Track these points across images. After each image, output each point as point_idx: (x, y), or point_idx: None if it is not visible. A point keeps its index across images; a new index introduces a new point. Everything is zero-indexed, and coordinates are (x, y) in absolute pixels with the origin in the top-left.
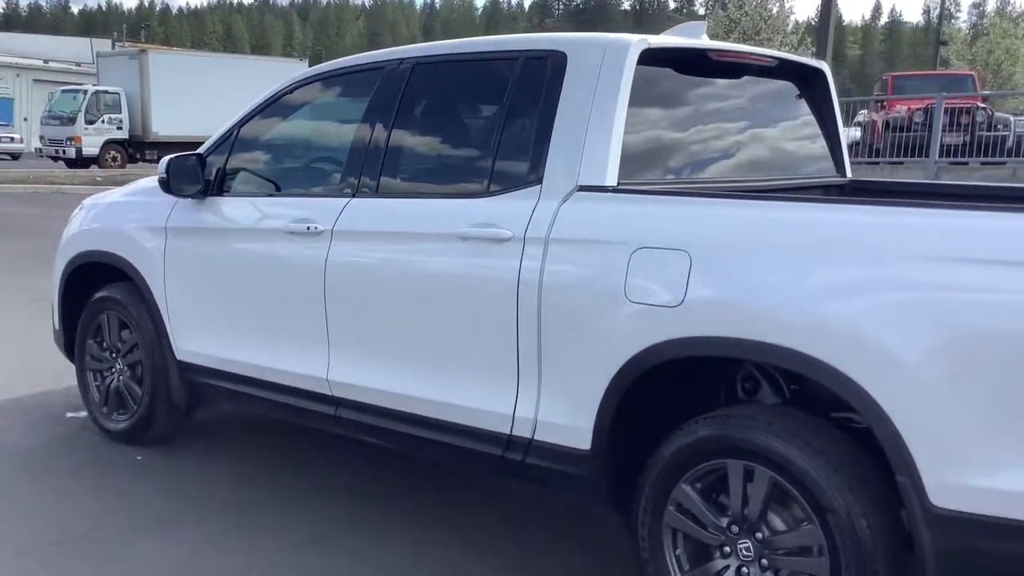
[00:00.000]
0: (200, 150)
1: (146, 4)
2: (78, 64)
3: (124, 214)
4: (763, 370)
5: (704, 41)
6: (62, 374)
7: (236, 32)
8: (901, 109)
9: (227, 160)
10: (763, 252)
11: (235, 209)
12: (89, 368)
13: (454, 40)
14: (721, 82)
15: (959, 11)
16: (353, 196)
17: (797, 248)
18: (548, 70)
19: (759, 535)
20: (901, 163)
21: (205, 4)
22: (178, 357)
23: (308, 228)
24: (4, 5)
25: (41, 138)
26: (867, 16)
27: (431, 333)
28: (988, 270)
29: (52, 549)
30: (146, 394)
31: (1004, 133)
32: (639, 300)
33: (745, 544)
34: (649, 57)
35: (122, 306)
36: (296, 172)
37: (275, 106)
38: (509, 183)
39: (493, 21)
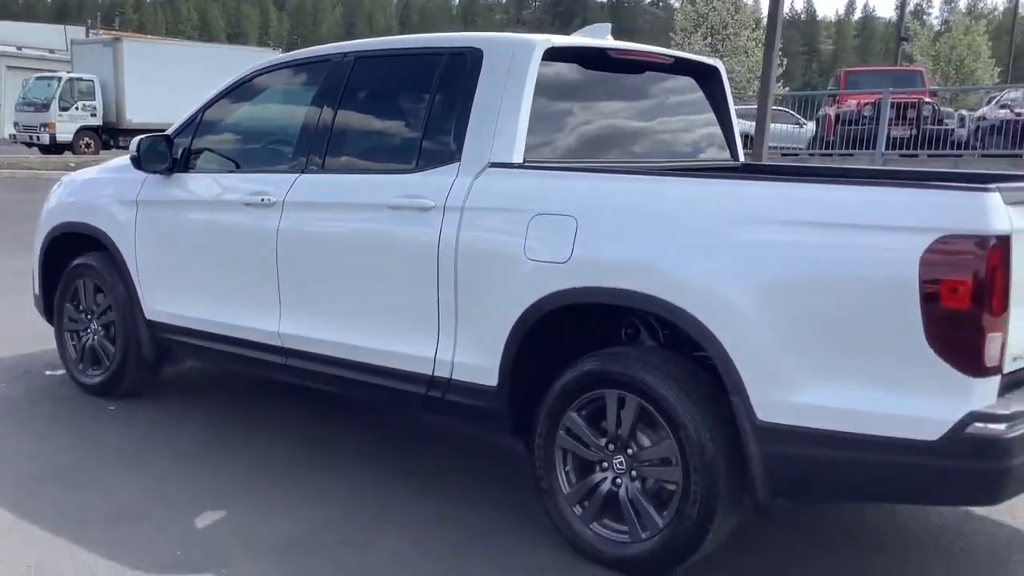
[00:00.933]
0: (168, 131)
1: None
2: (52, 51)
3: (99, 189)
4: (643, 319)
5: (605, 41)
6: (39, 339)
7: (211, 20)
8: (852, 103)
9: (192, 140)
10: (633, 217)
11: (198, 184)
12: (67, 329)
13: (391, 37)
14: (622, 76)
15: (931, 7)
16: (302, 172)
17: (658, 213)
18: (468, 64)
19: (629, 451)
20: (851, 155)
21: None
22: (147, 316)
23: (262, 200)
24: None
25: (15, 124)
26: (841, 11)
27: (366, 289)
28: (795, 229)
29: (37, 481)
30: (118, 351)
31: (950, 127)
32: (535, 258)
33: (619, 459)
34: (553, 54)
35: (97, 272)
36: (253, 151)
37: (236, 92)
38: (433, 161)
39: (470, 12)
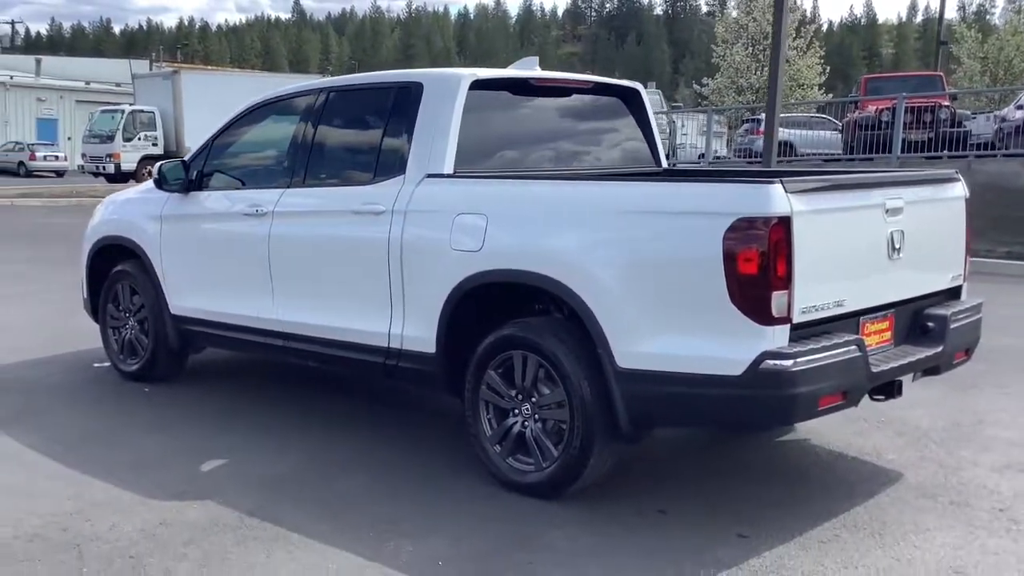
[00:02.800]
0: (185, 157)
1: (186, 23)
2: (117, 85)
3: (132, 207)
4: (551, 297)
5: (527, 72)
6: (89, 339)
7: (274, 48)
8: (871, 109)
9: (204, 164)
10: (526, 213)
11: (209, 200)
12: (109, 326)
13: (357, 74)
14: (547, 100)
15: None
16: (288, 187)
17: (543, 209)
18: (411, 95)
19: (532, 399)
20: (871, 159)
21: (244, 21)
22: (172, 312)
23: (257, 211)
24: (48, 27)
25: (83, 155)
26: (903, 15)
27: (337, 279)
28: (636, 218)
29: (79, 441)
30: (150, 342)
31: (968, 129)
32: (458, 248)
33: (525, 406)
34: (479, 85)
35: (133, 276)
36: (252, 171)
37: (239, 122)
38: (385, 174)
39: (527, 30)
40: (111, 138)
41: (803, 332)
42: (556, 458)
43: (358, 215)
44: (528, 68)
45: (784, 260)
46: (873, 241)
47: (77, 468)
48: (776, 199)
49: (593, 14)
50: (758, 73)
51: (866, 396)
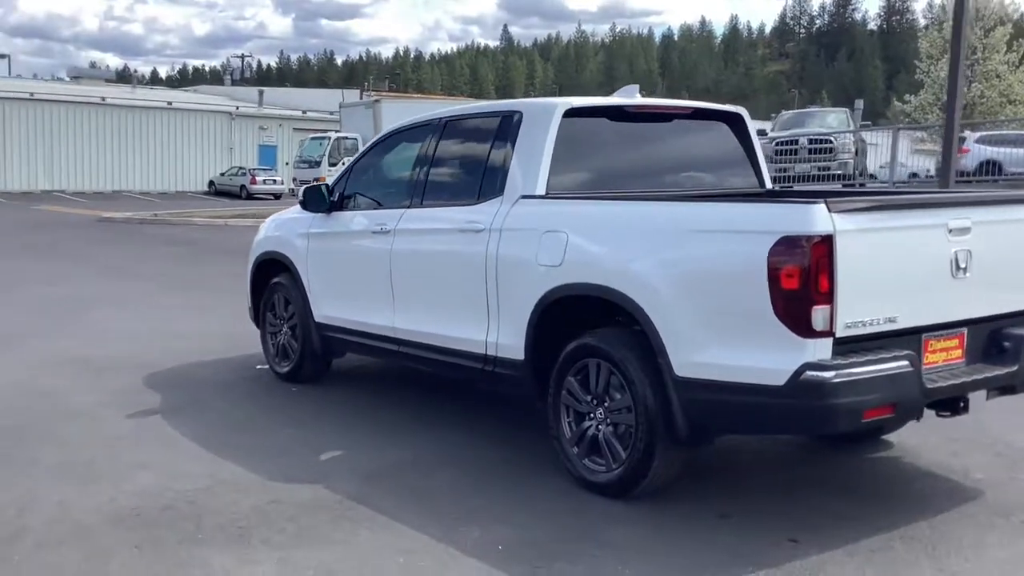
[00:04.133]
0: (328, 181)
1: (401, 53)
2: (331, 113)
3: (286, 226)
4: (620, 310)
5: (624, 100)
6: (253, 345)
7: (481, 74)
8: None
9: (345, 186)
10: (600, 230)
11: (346, 219)
12: (268, 331)
13: (471, 104)
14: (645, 125)
15: None
16: (408, 207)
17: (617, 227)
18: (513, 123)
19: (605, 404)
20: None
21: (454, 50)
22: (316, 320)
23: (382, 228)
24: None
25: (294, 179)
26: None
27: (444, 291)
28: (691, 236)
29: (226, 430)
30: (299, 346)
31: None
32: (543, 263)
33: (599, 411)
34: (575, 112)
35: (286, 288)
36: (383, 193)
37: (375, 149)
38: (488, 195)
39: (731, 49)
40: (318, 163)
41: (852, 347)
42: (624, 460)
43: (463, 233)
44: (629, 96)
45: (826, 276)
46: (934, 260)
47: (217, 452)
48: (819, 218)
49: (802, 31)
50: (965, 89)
51: (956, 414)
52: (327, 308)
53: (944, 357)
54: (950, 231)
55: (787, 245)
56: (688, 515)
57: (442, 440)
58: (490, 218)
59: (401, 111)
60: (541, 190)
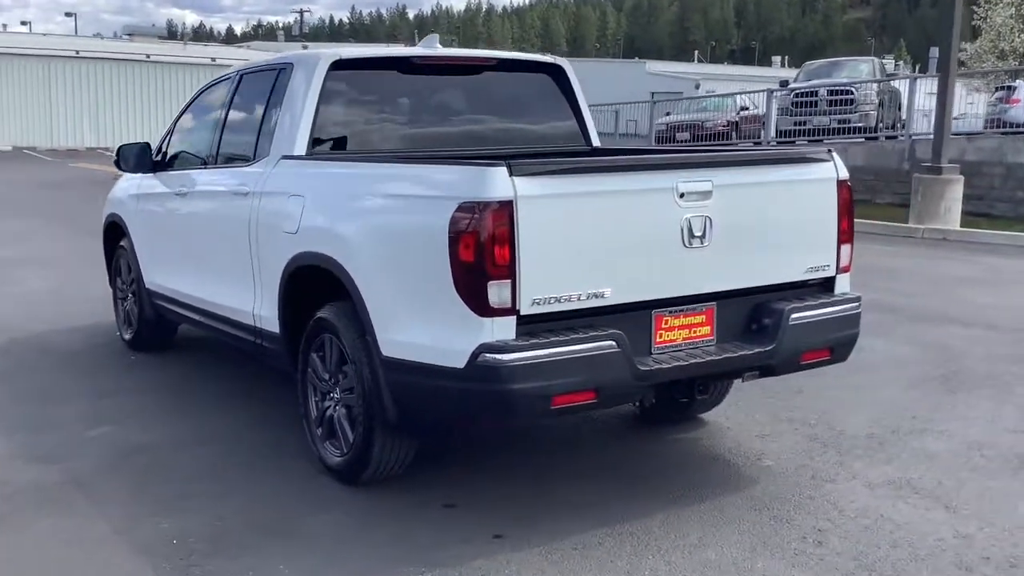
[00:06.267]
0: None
1: (472, 6)
2: None
3: (122, 187)
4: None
5: (416, 50)
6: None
7: (553, 27)
8: None
9: (167, 144)
10: (326, 195)
11: (163, 180)
12: (118, 297)
13: (266, 56)
14: (445, 78)
15: None
16: (205, 167)
17: (337, 193)
18: (285, 77)
19: (339, 383)
20: None
21: (526, 3)
22: (146, 286)
23: (182, 190)
24: (348, 16)
25: None
26: None
27: (223, 259)
28: (395, 200)
29: (25, 400)
30: (138, 311)
31: None
32: (286, 230)
33: (336, 391)
34: (344, 65)
35: (127, 253)
36: (192, 152)
37: (192, 105)
38: (259, 156)
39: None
40: None
41: (551, 325)
42: (352, 444)
43: (234, 196)
44: (429, 46)
45: (505, 247)
46: (658, 228)
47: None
48: (498, 182)
49: None
50: (1022, 36)
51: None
52: (152, 274)
53: (686, 335)
54: (681, 196)
55: (464, 212)
56: (411, 504)
57: (233, 418)
58: (255, 180)
59: None
60: (301, 150)
